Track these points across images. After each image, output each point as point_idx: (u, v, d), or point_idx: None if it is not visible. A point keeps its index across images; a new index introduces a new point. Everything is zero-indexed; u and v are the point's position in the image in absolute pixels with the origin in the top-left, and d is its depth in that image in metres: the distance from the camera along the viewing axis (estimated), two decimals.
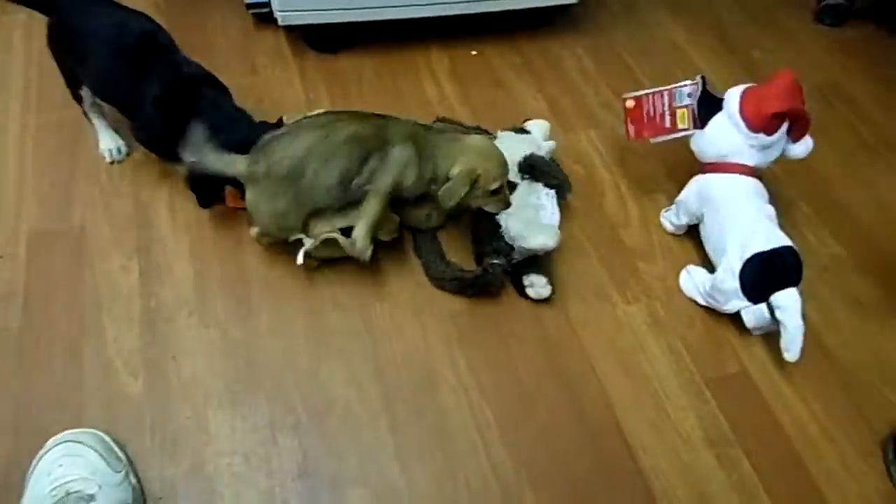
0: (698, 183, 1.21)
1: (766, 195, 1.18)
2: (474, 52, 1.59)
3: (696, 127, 1.21)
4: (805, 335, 1.06)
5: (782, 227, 1.14)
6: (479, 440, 1.00)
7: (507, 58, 1.59)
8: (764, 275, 1.07)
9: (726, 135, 1.17)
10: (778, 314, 1.06)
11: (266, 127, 1.13)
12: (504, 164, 1.10)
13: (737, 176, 1.16)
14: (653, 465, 1.00)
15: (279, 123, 1.14)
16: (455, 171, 1.06)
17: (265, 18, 1.51)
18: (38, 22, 1.20)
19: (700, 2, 1.83)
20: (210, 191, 1.16)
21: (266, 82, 1.45)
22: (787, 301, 1.06)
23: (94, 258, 1.15)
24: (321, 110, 1.15)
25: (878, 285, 1.25)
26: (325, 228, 1.08)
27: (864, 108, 1.60)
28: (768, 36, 1.77)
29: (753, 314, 1.10)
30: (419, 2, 1.43)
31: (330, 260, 1.14)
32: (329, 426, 1.00)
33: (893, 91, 1.65)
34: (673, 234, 1.28)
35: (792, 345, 1.06)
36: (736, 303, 1.11)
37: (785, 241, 1.10)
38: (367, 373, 1.06)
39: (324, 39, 1.50)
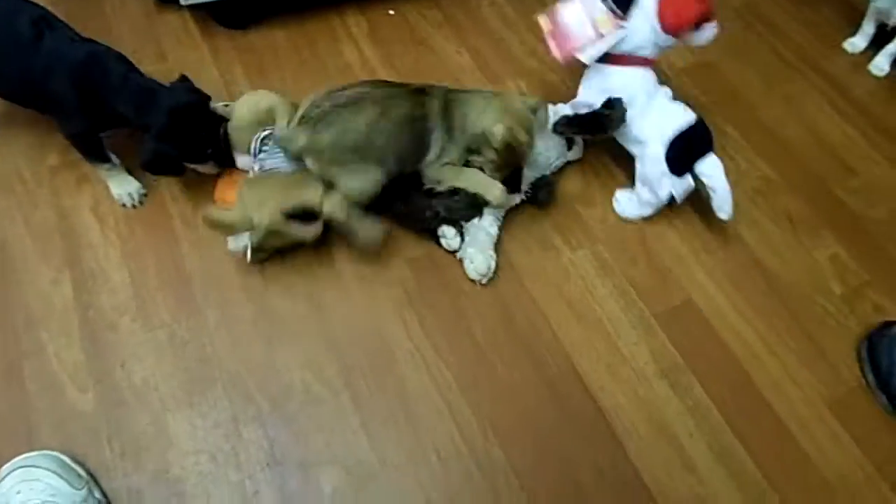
0: (600, 79, 1.18)
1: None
2: (391, 12, 1.54)
3: (619, 28, 1.13)
4: (743, 250, 1.10)
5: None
6: (442, 403, 1.02)
7: (425, 14, 1.55)
8: (685, 150, 1.13)
9: (640, 30, 1.12)
10: (705, 181, 1.14)
11: (180, 89, 1.11)
12: (531, 131, 1.11)
13: (639, 69, 1.16)
14: (612, 403, 1.04)
15: (184, 80, 1.13)
16: (496, 129, 1.07)
17: (166, 0, 1.43)
18: None
19: None
20: (170, 168, 1.13)
21: (178, 67, 1.38)
22: (711, 168, 1.13)
23: (20, 275, 1.09)
24: (359, 81, 1.14)
25: (807, 201, 1.30)
26: (271, 211, 1.05)
27: (781, 26, 1.63)
28: None
29: (682, 187, 1.16)
30: None
31: (280, 250, 1.12)
32: (291, 411, 1.00)
33: (805, 7, 1.68)
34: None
35: (724, 204, 1.14)
36: (667, 184, 1.15)
37: (692, 114, 1.15)
38: (322, 351, 1.05)
39: (232, 15, 1.43)
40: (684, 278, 1.18)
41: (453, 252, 1.15)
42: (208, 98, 1.14)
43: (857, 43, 1.59)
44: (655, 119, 1.14)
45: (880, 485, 0.99)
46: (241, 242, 1.08)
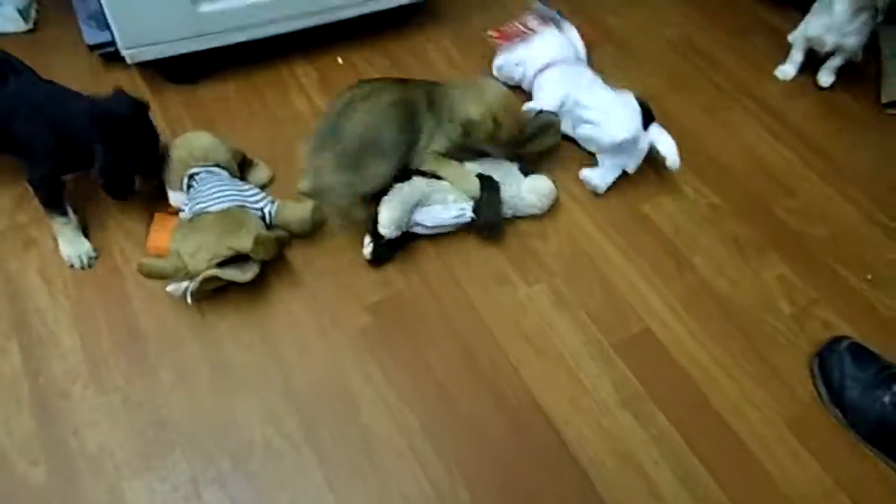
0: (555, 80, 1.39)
1: None
2: (340, 60, 1.57)
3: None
4: (694, 276, 1.12)
5: (657, 178, 1.33)
6: (406, 448, 1.01)
7: (374, 61, 1.58)
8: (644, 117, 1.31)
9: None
10: (657, 144, 1.32)
11: (119, 101, 1.13)
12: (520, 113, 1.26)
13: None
14: (577, 435, 1.04)
15: (120, 92, 1.15)
16: (475, 112, 1.18)
17: (113, 58, 1.42)
18: None
19: None
20: (125, 184, 1.15)
21: None
22: (657, 132, 1.33)
23: None
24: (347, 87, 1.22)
25: (752, 224, 1.34)
26: (206, 259, 1.05)
27: (716, 56, 1.70)
28: (619, 1, 1.84)
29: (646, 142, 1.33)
30: (271, 18, 1.40)
31: (220, 289, 1.12)
32: (253, 468, 0.98)
33: (737, 37, 1.76)
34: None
35: (671, 151, 1.32)
36: (644, 140, 1.31)
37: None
38: (282, 404, 1.04)
39: (180, 71, 1.44)
40: (640, 307, 1.20)
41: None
42: (147, 105, 1.16)
43: (787, 70, 1.66)
44: (605, 94, 1.35)
45: (840, 497, 1.01)
46: (181, 286, 1.08)
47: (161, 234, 1.16)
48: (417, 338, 1.13)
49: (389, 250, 1.20)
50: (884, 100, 1.61)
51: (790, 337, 1.18)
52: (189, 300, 1.07)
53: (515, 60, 1.47)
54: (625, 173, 1.36)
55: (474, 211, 1.20)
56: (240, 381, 1.06)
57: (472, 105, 1.19)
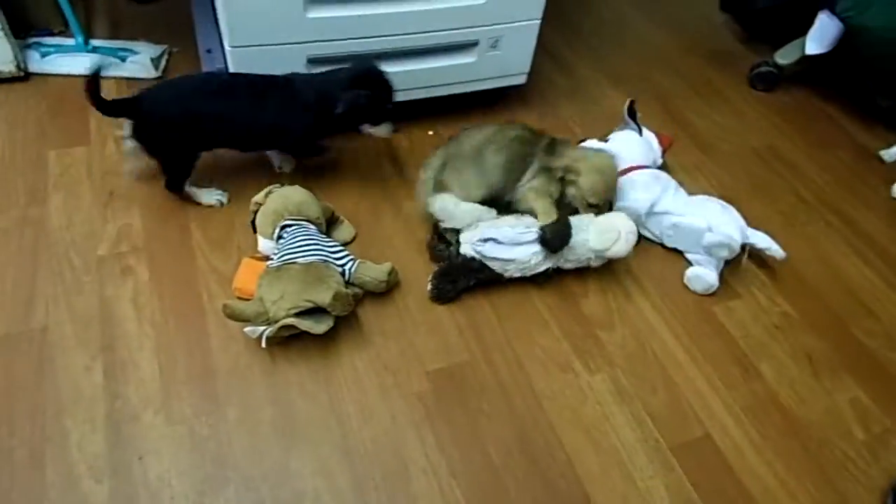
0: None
1: None
2: (431, 133, 1.65)
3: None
4: (762, 387, 1.10)
5: (730, 282, 1.33)
6: None
7: None
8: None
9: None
10: (757, 242, 1.37)
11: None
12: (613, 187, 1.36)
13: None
14: None
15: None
16: (586, 179, 1.30)
17: None
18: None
19: (640, 75, 1.95)
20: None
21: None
22: (754, 234, 1.38)
23: (56, 360, 1.14)
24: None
25: (827, 340, 1.31)
26: (286, 308, 1.11)
27: (801, 167, 1.70)
28: (706, 103, 1.88)
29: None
30: None
31: (293, 336, 1.16)
32: None
33: (825, 151, 1.76)
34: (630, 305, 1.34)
35: (771, 243, 1.37)
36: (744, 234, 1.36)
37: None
38: (337, 460, 1.06)
39: None
40: (702, 411, 1.18)
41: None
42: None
43: (893, 153, 1.72)
44: (693, 205, 1.41)
45: None
46: (258, 329, 1.13)
47: (247, 277, 1.23)
48: (474, 412, 1.14)
49: (454, 288, 1.26)
50: None
51: (861, 465, 1.13)
52: (263, 344, 1.13)
53: None
54: None
55: (542, 229, 1.27)
56: (300, 430, 1.09)
57: (587, 172, 1.30)
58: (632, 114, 1.52)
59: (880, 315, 1.37)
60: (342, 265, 1.22)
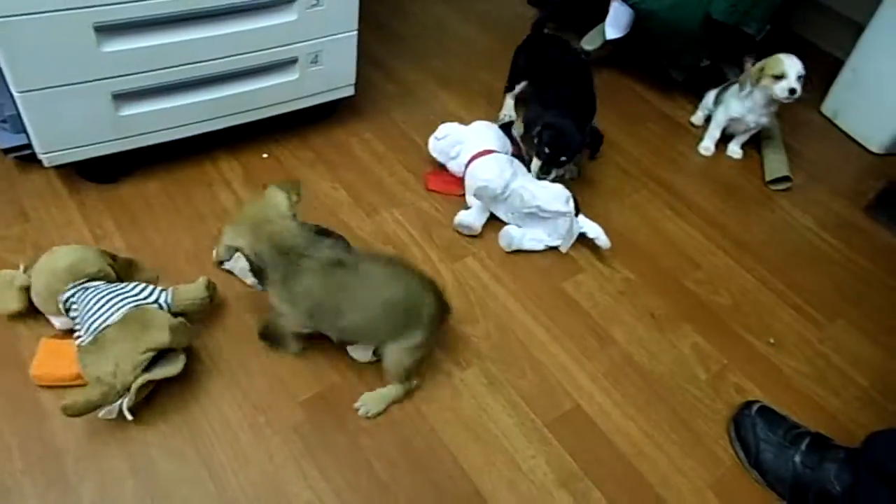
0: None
1: None
2: (265, 155, 1.59)
3: None
4: (617, 350, 1.18)
5: (573, 256, 1.34)
6: None
7: (298, 154, 1.62)
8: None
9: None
10: (586, 231, 1.48)
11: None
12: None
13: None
14: None
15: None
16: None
17: (30, 159, 1.39)
18: None
19: (466, 75, 2.01)
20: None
21: (41, 226, 1.34)
22: (584, 220, 1.49)
23: None
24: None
25: (665, 297, 1.44)
26: (130, 371, 1.02)
27: (619, 143, 1.85)
28: None
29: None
30: (192, 120, 1.42)
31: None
32: None
33: (638, 125, 1.94)
34: (482, 284, 1.38)
35: (600, 233, 1.47)
36: (576, 225, 1.47)
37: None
38: None
39: (99, 171, 1.42)
40: (569, 384, 1.24)
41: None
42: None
43: (708, 146, 1.88)
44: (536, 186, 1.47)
45: None
46: (115, 407, 1.02)
47: (50, 362, 1.10)
48: (353, 432, 1.12)
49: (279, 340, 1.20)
50: (767, 178, 1.79)
51: (708, 402, 1.25)
52: (129, 416, 1.02)
53: (458, 139, 1.55)
54: (548, 254, 1.45)
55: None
56: (170, 495, 1.00)
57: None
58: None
59: (702, 264, 1.53)
60: (155, 300, 1.13)
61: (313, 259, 1.06)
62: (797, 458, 1.10)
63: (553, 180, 1.49)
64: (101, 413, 1.02)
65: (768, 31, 1.88)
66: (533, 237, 1.47)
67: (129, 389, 1.02)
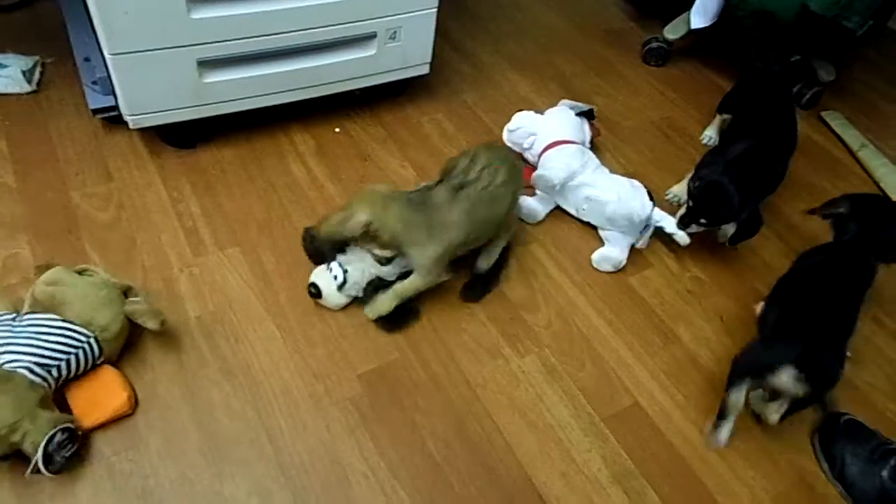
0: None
1: None
2: (337, 130, 1.61)
3: None
4: (681, 349, 1.14)
5: (642, 252, 1.25)
6: None
7: (369, 131, 1.63)
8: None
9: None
10: (663, 225, 1.40)
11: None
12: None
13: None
14: None
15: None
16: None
17: (115, 121, 1.45)
18: None
19: (540, 58, 1.98)
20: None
21: (124, 187, 1.39)
22: (659, 214, 1.40)
23: None
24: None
25: (736, 301, 1.38)
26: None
27: (696, 136, 1.78)
28: (605, 81, 1.93)
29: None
30: (271, 90, 1.44)
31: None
32: None
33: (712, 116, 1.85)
34: (551, 279, 1.36)
35: (679, 231, 1.38)
36: (653, 219, 1.39)
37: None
38: (273, 478, 1.02)
39: (180, 136, 1.47)
40: (629, 380, 1.22)
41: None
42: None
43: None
44: (616, 177, 1.44)
45: None
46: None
47: None
48: (410, 409, 1.12)
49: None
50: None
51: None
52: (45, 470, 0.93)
53: (531, 130, 1.52)
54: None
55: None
56: (230, 452, 1.04)
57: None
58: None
59: (779, 270, 1.46)
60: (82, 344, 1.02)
61: (441, 191, 1.18)
62: (885, 474, 1.07)
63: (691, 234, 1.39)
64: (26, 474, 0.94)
65: (870, 27, 1.77)
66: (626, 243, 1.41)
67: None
